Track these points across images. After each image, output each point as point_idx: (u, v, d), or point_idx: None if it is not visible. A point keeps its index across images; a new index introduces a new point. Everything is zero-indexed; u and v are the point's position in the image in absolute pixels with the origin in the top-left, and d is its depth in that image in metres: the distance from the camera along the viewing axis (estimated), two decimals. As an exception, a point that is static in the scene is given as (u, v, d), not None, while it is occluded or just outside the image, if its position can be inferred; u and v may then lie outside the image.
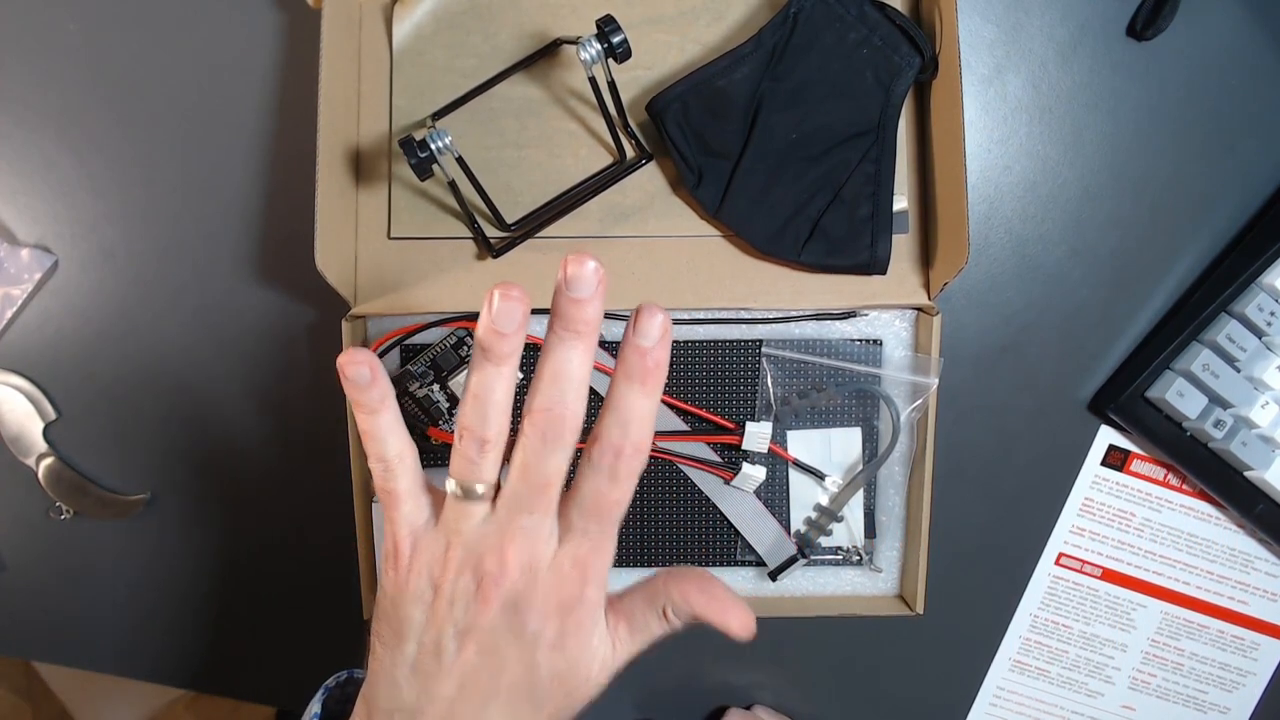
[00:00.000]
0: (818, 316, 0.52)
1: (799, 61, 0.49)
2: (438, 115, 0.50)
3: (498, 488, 0.33)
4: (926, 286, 0.51)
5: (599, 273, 0.30)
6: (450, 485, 0.33)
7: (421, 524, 0.34)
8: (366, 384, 0.33)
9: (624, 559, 0.53)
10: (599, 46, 0.44)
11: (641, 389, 0.31)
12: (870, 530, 0.53)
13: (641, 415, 0.31)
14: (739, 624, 0.33)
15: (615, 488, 0.32)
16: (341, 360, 0.33)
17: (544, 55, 0.51)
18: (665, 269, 0.51)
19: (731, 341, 0.52)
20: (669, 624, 0.34)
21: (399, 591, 0.33)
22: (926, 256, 0.51)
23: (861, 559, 0.53)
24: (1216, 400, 0.50)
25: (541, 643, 0.32)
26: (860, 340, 0.52)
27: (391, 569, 0.33)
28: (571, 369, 0.31)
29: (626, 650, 0.34)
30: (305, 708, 0.40)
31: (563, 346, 0.31)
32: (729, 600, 0.33)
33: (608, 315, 0.51)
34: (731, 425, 0.51)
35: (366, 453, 0.34)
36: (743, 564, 0.53)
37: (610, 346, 0.52)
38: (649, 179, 0.52)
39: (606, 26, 0.44)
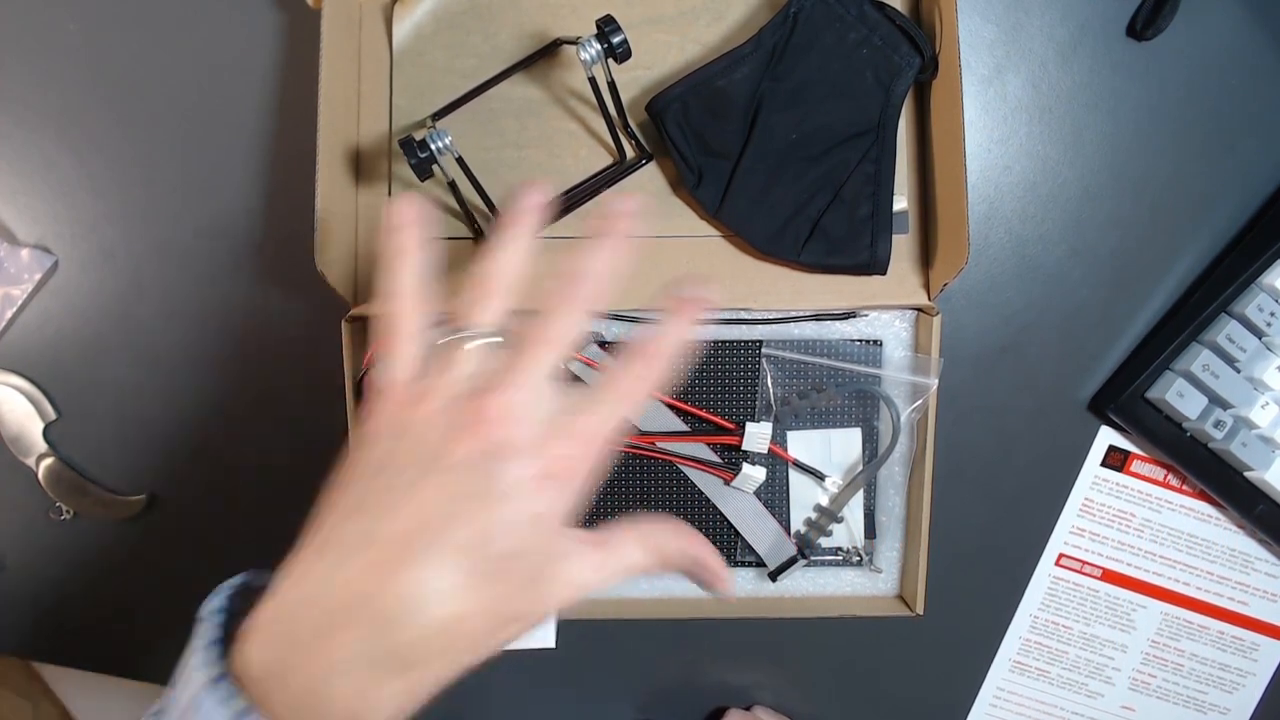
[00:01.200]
0: (818, 317, 0.52)
1: (799, 61, 0.49)
2: (438, 115, 0.50)
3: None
4: (926, 287, 0.51)
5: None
6: (447, 329, 0.32)
7: (414, 371, 0.32)
8: (406, 222, 0.34)
9: (624, 559, 0.53)
10: (599, 46, 0.44)
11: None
12: (870, 531, 0.53)
13: (674, 343, 0.32)
14: (724, 581, 0.33)
15: (639, 367, 0.32)
16: (394, 200, 0.34)
17: (544, 55, 0.51)
18: (665, 269, 0.51)
19: (731, 342, 0.52)
20: (653, 559, 0.32)
21: (375, 427, 0.31)
22: (926, 256, 0.51)
23: (861, 559, 0.53)
24: (1216, 401, 0.50)
25: (508, 505, 0.29)
26: (860, 340, 0.52)
27: (373, 409, 0.31)
28: (603, 248, 0.33)
29: (599, 572, 0.31)
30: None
31: (603, 237, 0.33)
32: (718, 558, 0.33)
33: (610, 316, 0.51)
34: (731, 426, 0.51)
35: (380, 291, 0.33)
36: (743, 564, 0.53)
37: (610, 346, 0.52)
38: (649, 179, 0.52)
39: (606, 26, 0.44)
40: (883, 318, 0.52)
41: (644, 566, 0.32)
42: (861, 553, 0.53)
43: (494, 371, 0.31)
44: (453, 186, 0.47)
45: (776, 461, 0.52)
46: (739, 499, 0.52)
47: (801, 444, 0.52)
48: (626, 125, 0.51)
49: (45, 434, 0.53)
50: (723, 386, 0.52)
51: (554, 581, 0.30)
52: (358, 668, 0.28)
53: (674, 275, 0.51)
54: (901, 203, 0.51)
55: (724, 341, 0.52)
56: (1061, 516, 0.54)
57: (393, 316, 0.33)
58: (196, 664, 0.29)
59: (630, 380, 0.32)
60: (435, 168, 0.45)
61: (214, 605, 0.32)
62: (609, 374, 0.32)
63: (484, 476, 0.29)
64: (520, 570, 0.29)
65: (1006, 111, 0.53)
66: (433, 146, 0.44)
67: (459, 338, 0.32)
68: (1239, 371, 0.50)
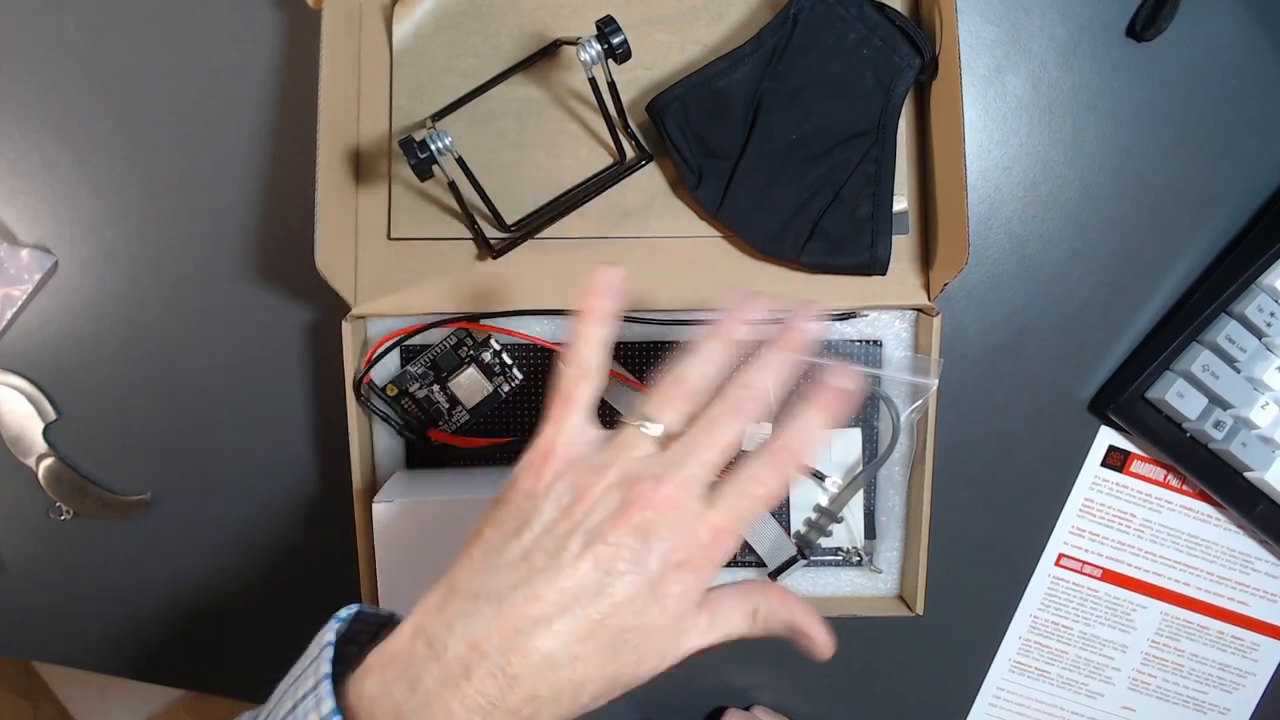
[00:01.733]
0: (817, 317, 0.52)
1: (799, 62, 0.49)
2: (438, 116, 0.50)
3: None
4: (926, 287, 0.51)
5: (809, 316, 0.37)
6: (635, 417, 0.34)
7: (582, 441, 0.34)
8: (609, 292, 0.36)
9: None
10: (599, 47, 0.44)
11: (822, 416, 0.35)
12: (870, 531, 0.53)
13: (814, 434, 0.35)
14: (824, 645, 0.35)
15: (772, 474, 0.34)
16: (599, 266, 0.36)
17: (544, 56, 0.51)
18: (665, 269, 0.51)
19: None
20: (754, 625, 0.34)
21: (534, 488, 0.33)
22: (926, 257, 0.51)
23: (861, 559, 0.53)
24: (1216, 401, 0.50)
25: (652, 586, 0.31)
26: (860, 341, 0.52)
27: (534, 468, 0.33)
28: (773, 365, 0.36)
29: (704, 638, 0.33)
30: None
31: (774, 353, 0.36)
32: (817, 620, 0.35)
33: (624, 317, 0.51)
34: (731, 425, 0.51)
35: (565, 358, 0.35)
36: (743, 564, 0.53)
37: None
38: (649, 179, 0.52)
39: (606, 27, 0.44)
40: (883, 318, 0.52)
41: (745, 633, 0.34)
42: (861, 553, 0.53)
43: (665, 462, 0.33)
44: (453, 186, 0.47)
45: (776, 461, 0.52)
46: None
47: (801, 444, 0.52)
48: (626, 125, 0.51)
49: (45, 434, 0.53)
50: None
51: (662, 655, 0.32)
52: (475, 719, 0.29)
53: (674, 276, 0.51)
54: (901, 203, 0.51)
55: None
56: (1061, 516, 0.54)
57: (570, 382, 0.35)
58: (310, 696, 0.30)
59: (766, 472, 0.34)
60: (435, 168, 0.45)
61: (328, 638, 0.33)
62: (747, 466, 0.34)
63: (638, 559, 0.31)
64: (645, 646, 0.32)
65: (1006, 111, 0.53)
66: (433, 147, 0.44)
67: (637, 425, 0.34)
68: (1239, 371, 0.50)
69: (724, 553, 0.33)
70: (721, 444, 0.34)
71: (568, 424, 0.34)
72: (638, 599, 0.31)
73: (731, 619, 0.34)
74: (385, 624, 0.35)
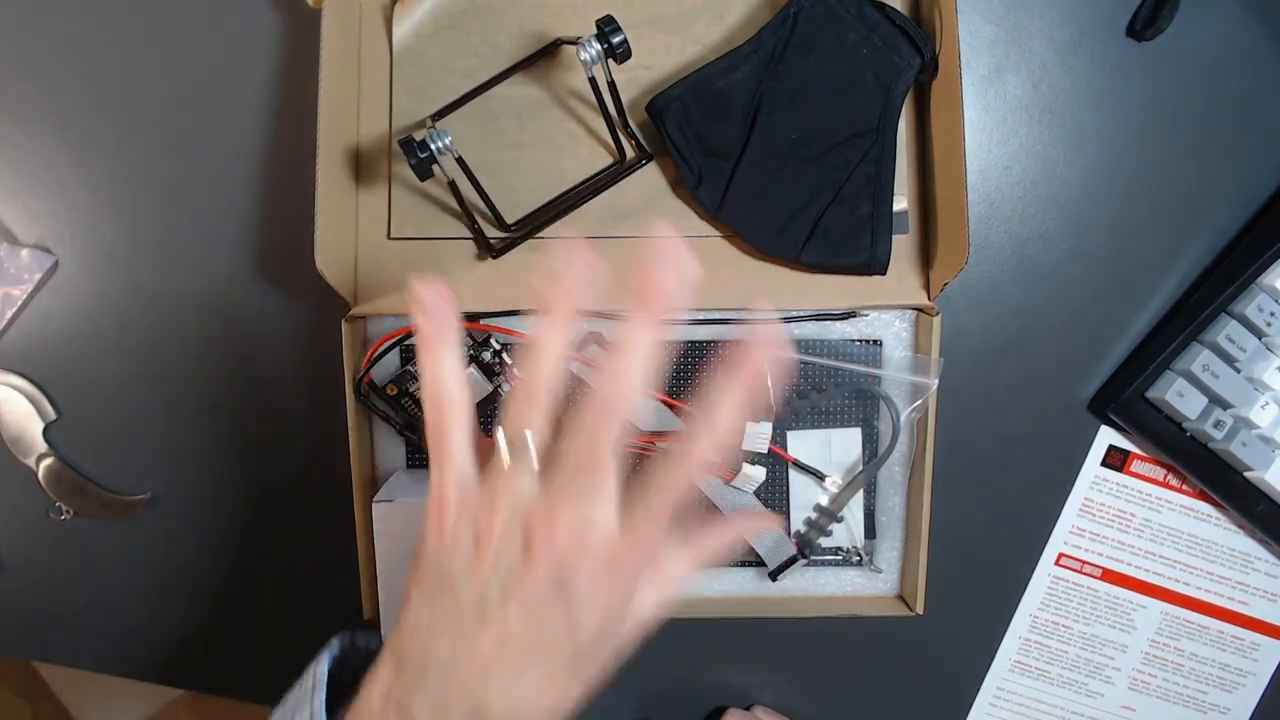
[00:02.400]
0: (818, 316, 0.52)
1: (799, 62, 0.49)
2: (438, 115, 0.50)
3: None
4: (926, 287, 0.51)
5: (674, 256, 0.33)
6: (500, 437, 0.32)
7: (469, 480, 0.33)
8: (430, 308, 0.33)
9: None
10: (599, 47, 0.44)
11: (742, 395, 0.33)
12: (870, 530, 0.53)
13: (731, 419, 0.33)
14: (762, 523, 0.35)
15: (681, 476, 0.32)
16: (414, 279, 0.33)
17: (544, 55, 0.51)
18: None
19: (731, 342, 0.52)
20: (703, 566, 0.35)
21: (440, 543, 0.32)
22: (926, 257, 0.51)
23: (861, 559, 0.53)
24: (1216, 401, 0.50)
25: (587, 604, 0.31)
26: (860, 340, 0.52)
27: (435, 521, 0.32)
28: (638, 344, 0.32)
29: (659, 610, 0.33)
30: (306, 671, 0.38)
31: (637, 328, 0.32)
32: (755, 521, 0.36)
33: (605, 315, 0.51)
34: (731, 425, 0.51)
35: (423, 395, 0.33)
36: (743, 564, 0.53)
37: (610, 347, 0.52)
38: (649, 179, 0.52)
39: (606, 27, 0.44)
40: (883, 318, 0.52)
41: (695, 571, 0.34)
42: (861, 553, 0.53)
43: (552, 491, 0.32)
44: (453, 186, 0.47)
45: (776, 461, 0.52)
46: (739, 499, 0.52)
47: (801, 444, 0.52)
48: (626, 125, 0.51)
49: (45, 434, 0.53)
50: (723, 386, 0.52)
51: (627, 635, 0.33)
52: None
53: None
54: (901, 203, 0.51)
55: (724, 342, 0.52)
56: (1061, 516, 0.54)
57: (440, 421, 0.33)
58: None
59: (674, 478, 0.32)
60: (435, 168, 0.45)
61: (321, 669, 0.34)
62: (656, 473, 0.32)
63: (561, 593, 0.31)
64: (604, 650, 0.32)
65: (1006, 111, 0.53)
66: (433, 146, 0.44)
67: (504, 452, 0.32)
68: (1239, 371, 0.50)
69: (652, 550, 0.32)
70: (600, 447, 0.31)
71: (448, 466, 0.33)
72: (576, 622, 0.31)
73: (678, 579, 0.34)
74: (378, 653, 0.35)
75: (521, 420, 0.32)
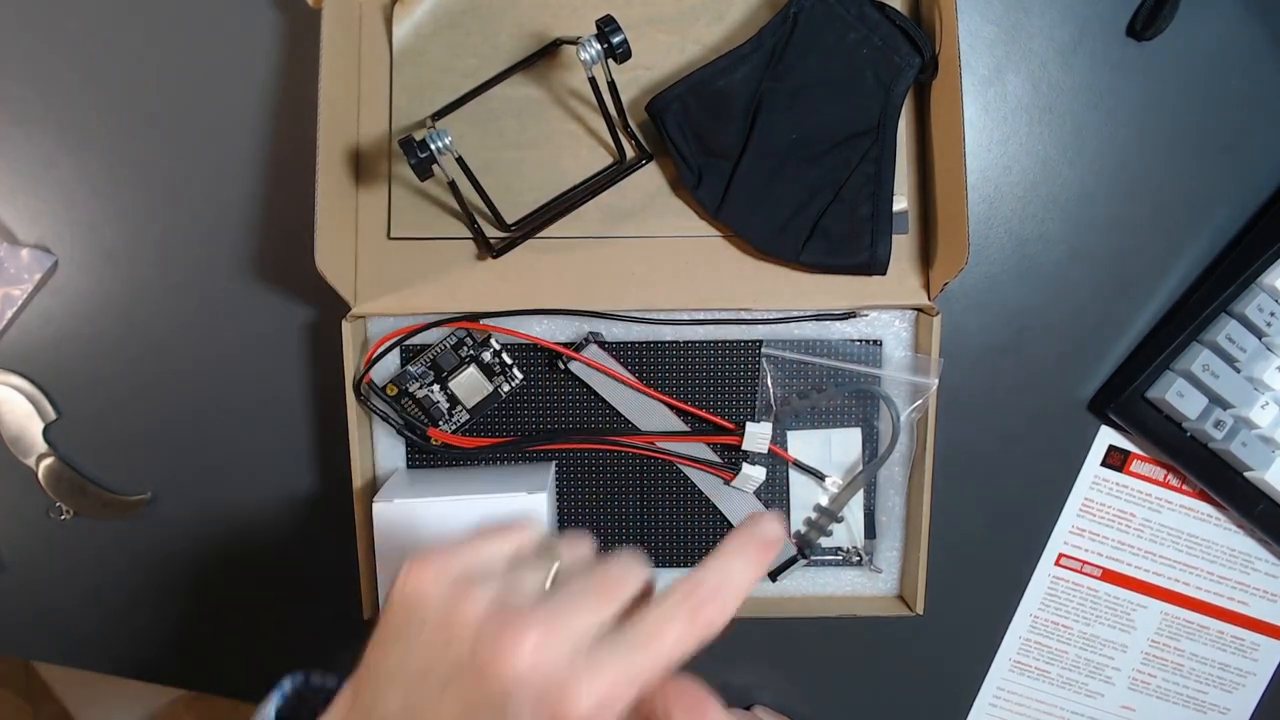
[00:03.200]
0: (818, 317, 0.52)
1: (799, 62, 0.49)
2: (438, 115, 0.50)
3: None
4: (926, 287, 0.51)
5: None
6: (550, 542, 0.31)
7: (499, 555, 0.31)
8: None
9: (624, 559, 0.53)
10: (599, 46, 0.44)
11: (750, 566, 0.30)
12: (870, 531, 0.53)
13: (738, 584, 0.29)
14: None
15: (682, 629, 0.28)
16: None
17: (544, 55, 0.51)
18: (665, 269, 0.51)
19: (731, 342, 0.52)
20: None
21: (419, 587, 0.30)
22: (926, 257, 0.51)
23: (861, 559, 0.53)
24: (1216, 401, 0.50)
25: None
26: (860, 340, 0.52)
27: (424, 566, 0.31)
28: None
29: None
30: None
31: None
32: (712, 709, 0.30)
33: (610, 316, 0.51)
34: (731, 425, 0.51)
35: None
36: (743, 564, 0.53)
37: (610, 346, 0.52)
38: (649, 179, 0.52)
39: (606, 27, 0.44)
40: (883, 318, 0.52)
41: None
42: (861, 553, 0.53)
43: (549, 598, 0.29)
44: (453, 186, 0.47)
45: (776, 461, 0.52)
46: (739, 499, 0.52)
47: (801, 444, 0.52)
48: (626, 125, 0.51)
49: (45, 434, 0.53)
50: (723, 386, 0.52)
51: None
52: None
53: (674, 276, 0.51)
54: (901, 203, 0.51)
55: (724, 341, 0.52)
56: (1061, 516, 0.54)
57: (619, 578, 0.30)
58: None
59: (674, 626, 0.28)
60: (435, 168, 0.45)
61: (265, 713, 0.32)
62: (649, 619, 0.28)
63: (498, 710, 0.27)
64: None
65: (1006, 111, 0.53)
66: (433, 146, 0.44)
67: (539, 558, 0.31)
68: (1239, 371, 0.50)
69: (610, 712, 0.27)
70: (611, 590, 0.29)
71: (476, 547, 0.31)
72: None
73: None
74: (335, 693, 0.33)
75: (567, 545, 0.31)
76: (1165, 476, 0.54)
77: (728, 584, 0.29)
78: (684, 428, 0.52)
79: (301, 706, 0.35)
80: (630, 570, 0.30)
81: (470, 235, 0.51)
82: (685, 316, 0.52)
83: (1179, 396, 0.50)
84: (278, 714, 0.35)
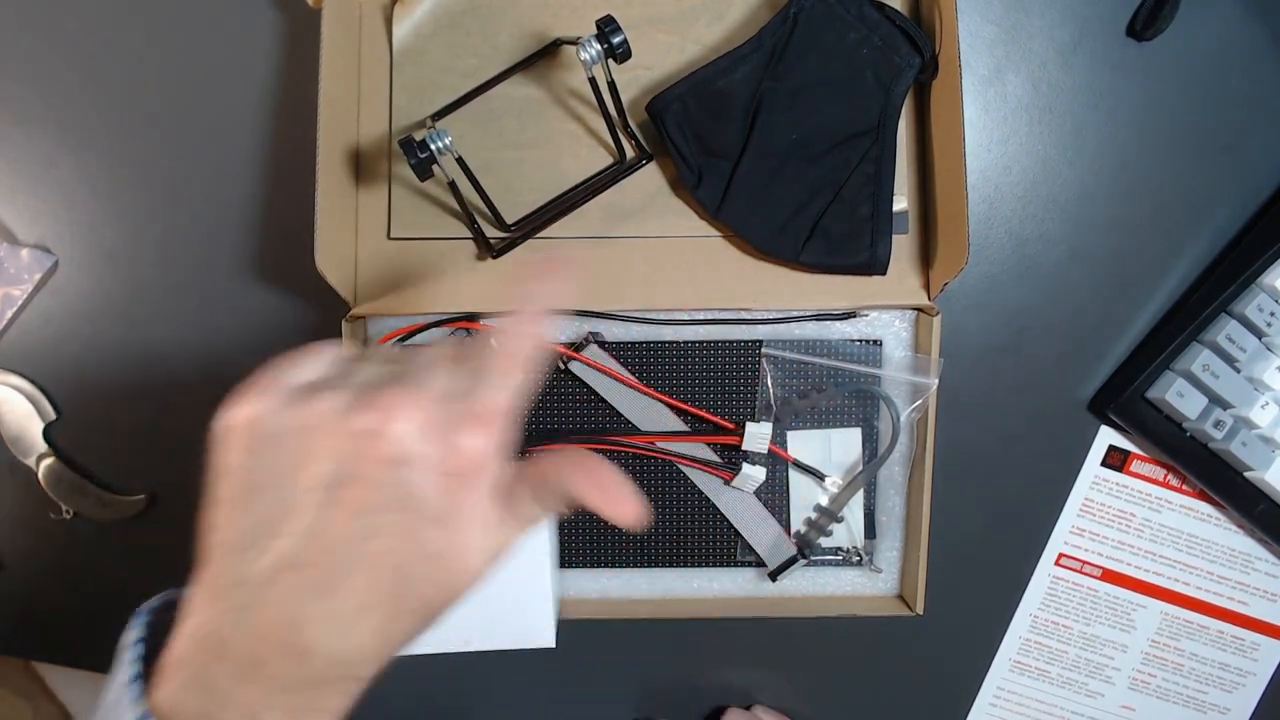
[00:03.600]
0: (818, 317, 0.52)
1: (799, 62, 0.49)
2: (438, 115, 0.50)
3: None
4: (926, 287, 0.51)
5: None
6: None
7: (302, 379, 0.29)
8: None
9: (624, 560, 0.53)
10: (599, 47, 0.44)
11: (544, 281, 0.31)
12: (870, 530, 0.53)
13: (544, 304, 0.31)
14: (629, 515, 0.30)
15: (519, 354, 0.29)
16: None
17: (544, 55, 0.51)
18: (665, 269, 0.51)
19: (731, 342, 0.52)
20: (558, 507, 0.30)
21: (255, 424, 0.28)
22: (926, 257, 0.51)
23: (861, 559, 0.53)
24: (1216, 401, 0.50)
25: (425, 511, 0.27)
26: (860, 340, 0.52)
27: (253, 396, 0.29)
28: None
29: (506, 537, 0.29)
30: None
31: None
32: (616, 487, 0.30)
33: (605, 315, 0.51)
34: (731, 425, 0.51)
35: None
36: (743, 564, 0.53)
37: (610, 346, 0.52)
38: (649, 179, 0.52)
39: (606, 27, 0.44)
40: (883, 318, 0.52)
41: (548, 517, 0.30)
42: (861, 553, 0.53)
43: (395, 378, 0.28)
44: (453, 186, 0.47)
45: (776, 461, 0.52)
46: (739, 499, 0.52)
47: (801, 444, 0.52)
48: (626, 125, 0.51)
49: (45, 434, 0.53)
50: (723, 386, 0.52)
51: (468, 571, 0.28)
52: (283, 698, 0.27)
53: (674, 276, 0.51)
54: (901, 203, 0.51)
55: (724, 341, 0.52)
56: (1061, 516, 0.54)
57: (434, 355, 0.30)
58: (116, 704, 0.28)
59: (514, 343, 0.30)
60: (435, 168, 0.45)
61: (131, 637, 0.30)
62: (489, 365, 0.29)
63: (389, 492, 0.27)
64: (441, 573, 0.28)
65: (1006, 111, 0.53)
66: (433, 146, 0.44)
67: (356, 362, 0.30)
68: (1239, 371, 0.50)
69: (494, 443, 0.28)
70: (452, 362, 0.29)
71: (308, 360, 0.30)
72: (411, 529, 0.27)
73: (528, 509, 0.30)
74: None
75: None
76: (1165, 476, 0.54)
77: (534, 308, 0.30)
78: (684, 428, 0.52)
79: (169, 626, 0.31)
80: (437, 347, 0.30)
81: (470, 235, 0.51)
82: (685, 316, 0.52)
83: (1179, 396, 0.50)
84: (146, 646, 0.30)
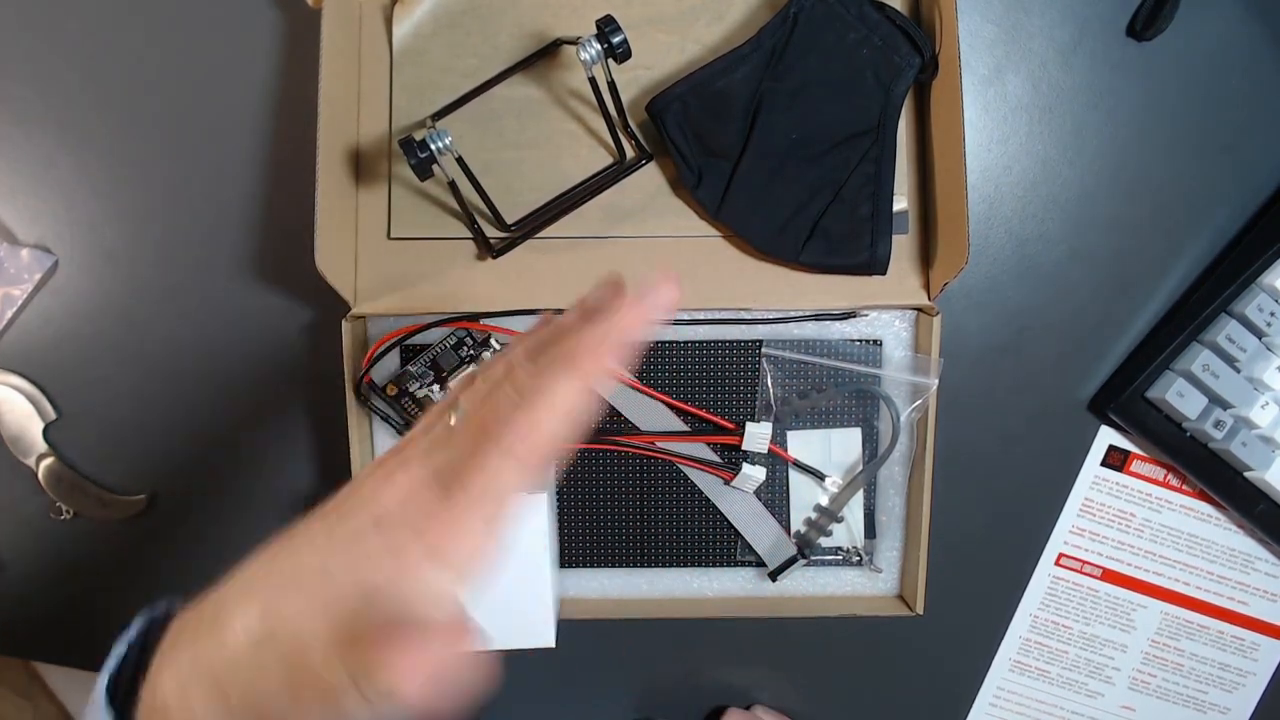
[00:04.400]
0: (818, 316, 0.52)
1: (799, 62, 0.49)
2: (438, 115, 0.50)
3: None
4: (926, 287, 0.51)
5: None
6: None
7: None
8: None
9: (624, 559, 0.53)
10: (599, 46, 0.44)
11: (578, 384, 0.28)
12: (870, 530, 0.53)
13: (563, 410, 0.28)
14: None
15: (510, 471, 0.28)
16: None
17: (544, 55, 0.51)
18: (665, 269, 0.51)
19: (731, 341, 0.52)
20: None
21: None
22: (926, 256, 0.51)
23: (861, 559, 0.53)
24: (1216, 401, 0.50)
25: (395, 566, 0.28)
26: (860, 340, 0.52)
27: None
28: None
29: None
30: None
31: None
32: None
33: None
34: (731, 425, 0.51)
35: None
36: (743, 564, 0.53)
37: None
38: (649, 179, 0.52)
39: (606, 27, 0.44)
40: (883, 318, 0.52)
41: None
42: (861, 553, 0.53)
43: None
44: (453, 186, 0.47)
45: (776, 461, 0.52)
46: (739, 499, 0.52)
47: (801, 444, 0.52)
48: (626, 125, 0.51)
49: (45, 434, 0.53)
50: (723, 386, 0.52)
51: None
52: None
53: (693, 281, 0.51)
54: (901, 203, 0.51)
55: (724, 341, 0.52)
56: (1061, 516, 0.54)
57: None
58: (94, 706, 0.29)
59: (502, 470, 0.28)
60: (435, 168, 0.45)
61: (120, 647, 0.31)
62: (485, 456, 0.27)
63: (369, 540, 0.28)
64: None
65: (1006, 111, 0.53)
66: (433, 146, 0.44)
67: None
68: (1239, 371, 0.50)
69: (472, 542, 0.27)
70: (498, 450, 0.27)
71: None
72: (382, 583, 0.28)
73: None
74: None
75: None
76: (1165, 476, 0.54)
77: (551, 415, 0.28)
78: (684, 428, 0.52)
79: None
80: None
81: (470, 235, 0.51)
82: (685, 316, 0.52)
83: (1179, 396, 0.50)
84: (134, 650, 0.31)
